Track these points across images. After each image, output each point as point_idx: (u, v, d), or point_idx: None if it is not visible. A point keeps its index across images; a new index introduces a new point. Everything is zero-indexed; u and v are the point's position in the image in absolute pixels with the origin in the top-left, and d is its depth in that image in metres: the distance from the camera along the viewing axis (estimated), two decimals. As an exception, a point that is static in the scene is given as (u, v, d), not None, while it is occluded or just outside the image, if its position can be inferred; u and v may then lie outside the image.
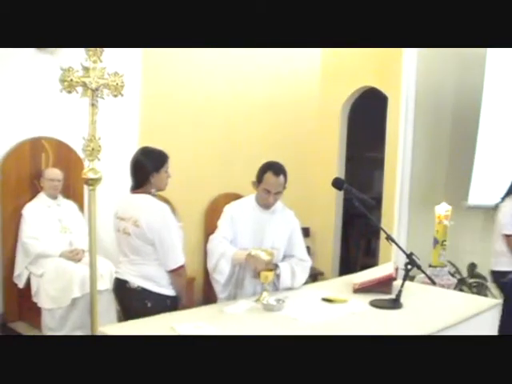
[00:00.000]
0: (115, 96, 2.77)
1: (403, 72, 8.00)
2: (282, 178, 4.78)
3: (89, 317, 6.43)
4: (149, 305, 4.51)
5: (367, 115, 9.79)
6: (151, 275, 4.60)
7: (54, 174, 6.94)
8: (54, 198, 6.98)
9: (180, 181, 8.25)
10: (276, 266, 4.78)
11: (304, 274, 4.98)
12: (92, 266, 2.82)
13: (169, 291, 4.63)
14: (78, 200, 7.31)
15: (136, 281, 4.58)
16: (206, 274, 8.49)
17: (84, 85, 2.65)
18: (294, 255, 4.98)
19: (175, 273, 4.63)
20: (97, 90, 2.68)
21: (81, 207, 7.29)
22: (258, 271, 4.54)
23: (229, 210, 5.01)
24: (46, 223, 6.85)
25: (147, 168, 4.57)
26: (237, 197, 8.58)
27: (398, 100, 8.11)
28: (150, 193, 4.69)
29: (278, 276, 4.80)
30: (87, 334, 6.50)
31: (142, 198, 4.65)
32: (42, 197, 6.94)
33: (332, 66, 9.60)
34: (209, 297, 8.20)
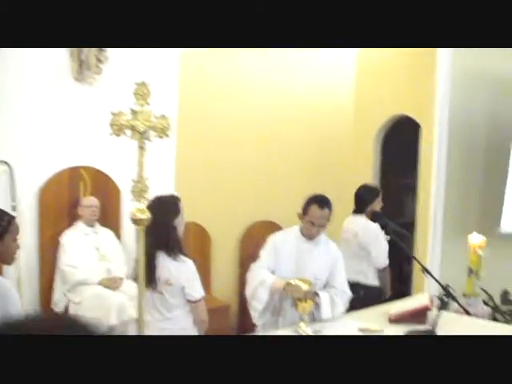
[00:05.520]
0: (161, 137, 2.86)
1: (436, 100, 8.03)
2: (326, 210, 4.89)
3: (126, 344, 6.53)
4: None
5: (398, 140, 9.81)
6: None
7: (90, 200, 7.03)
8: (92, 225, 7.08)
9: (214, 209, 8.36)
10: (316, 295, 4.83)
11: (343, 306, 5.05)
12: (140, 301, 2.90)
13: None
14: (115, 228, 7.40)
15: None
16: (241, 302, 8.55)
17: (132, 128, 2.74)
18: (334, 286, 5.04)
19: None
20: (144, 132, 2.77)
21: (117, 235, 7.39)
22: (296, 300, 4.62)
23: (272, 239, 5.14)
24: (84, 251, 6.93)
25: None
26: (272, 225, 8.71)
27: (432, 128, 8.14)
28: None
29: (317, 305, 4.84)
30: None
31: None
32: (79, 225, 7.03)
33: (366, 95, 9.64)
34: (244, 325, 8.26)
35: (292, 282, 4.68)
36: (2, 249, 3.60)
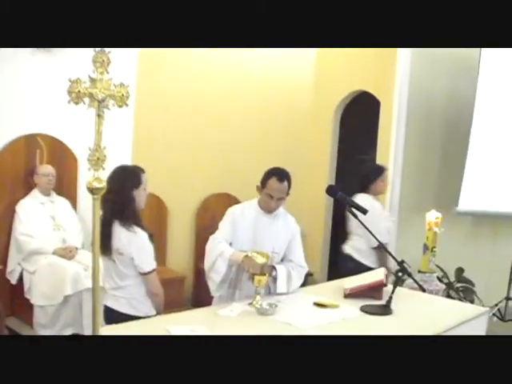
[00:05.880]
0: (120, 107, 2.80)
1: (397, 77, 8.06)
2: (285, 184, 4.84)
3: (80, 314, 6.52)
4: None
5: (357, 117, 9.84)
6: None
7: (47, 169, 6.96)
8: (48, 194, 7.01)
9: (171, 180, 8.33)
10: (273, 268, 4.83)
11: (299, 280, 5.05)
12: (95, 269, 2.89)
13: None
14: (71, 197, 7.34)
15: None
16: (197, 274, 8.57)
17: (91, 96, 2.70)
18: (291, 260, 5.04)
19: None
20: (103, 101, 2.72)
21: (73, 204, 7.33)
22: (252, 274, 4.62)
23: (231, 211, 5.06)
24: (39, 220, 6.87)
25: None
26: (229, 197, 8.70)
27: (391, 105, 8.18)
28: None
29: (274, 278, 4.85)
30: (79, 331, 6.57)
31: None
32: (35, 193, 6.96)
33: (326, 70, 9.66)
34: (198, 296, 8.27)
35: (249, 254, 4.66)
36: None
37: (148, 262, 4.64)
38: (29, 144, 6.98)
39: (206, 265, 4.90)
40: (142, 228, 4.65)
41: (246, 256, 4.65)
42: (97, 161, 2.72)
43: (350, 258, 6.80)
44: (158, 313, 4.74)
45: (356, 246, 6.82)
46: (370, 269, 6.61)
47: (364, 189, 6.81)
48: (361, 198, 6.40)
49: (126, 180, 4.63)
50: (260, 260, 4.61)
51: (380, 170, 6.95)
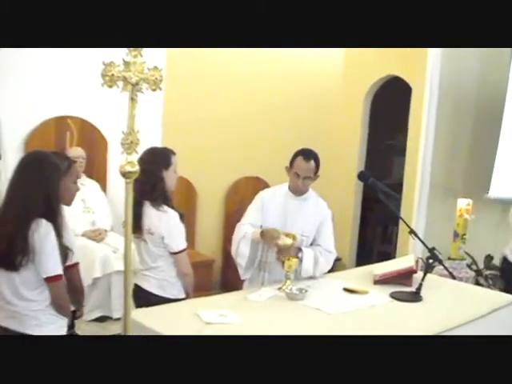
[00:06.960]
0: (154, 90, 2.80)
1: (428, 63, 7.97)
2: (312, 163, 4.81)
3: (109, 296, 6.56)
4: None
5: (387, 103, 9.78)
6: None
7: (77, 152, 6.95)
8: (78, 177, 7.00)
9: (201, 164, 8.32)
10: (299, 250, 4.83)
11: (327, 265, 5.03)
12: (127, 254, 2.89)
13: None
14: (101, 179, 7.38)
15: None
16: (225, 257, 8.56)
17: (124, 79, 2.69)
18: (320, 245, 5.01)
19: None
20: (136, 84, 2.71)
21: (103, 187, 7.36)
22: (281, 256, 4.66)
23: (261, 195, 5.08)
24: (69, 203, 6.91)
25: None
26: (257, 180, 8.68)
27: (422, 90, 8.09)
28: None
29: (300, 260, 4.82)
30: (107, 313, 6.62)
31: None
32: (65, 176, 6.97)
33: (356, 54, 9.56)
34: (227, 279, 8.28)
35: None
36: (63, 190, 3.72)
37: (178, 242, 4.68)
38: (59, 126, 7.00)
39: (233, 251, 4.94)
40: (173, 208, 4.69)
41: (263, 231, 4.71)
42: (130, 144, 2.72)
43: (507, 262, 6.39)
44: (187, 293, 4.78)
45: None
46: None
47: None
48: None
49: (155, 161, 4.65)
50: (288, 241, 4.62)
51: None
